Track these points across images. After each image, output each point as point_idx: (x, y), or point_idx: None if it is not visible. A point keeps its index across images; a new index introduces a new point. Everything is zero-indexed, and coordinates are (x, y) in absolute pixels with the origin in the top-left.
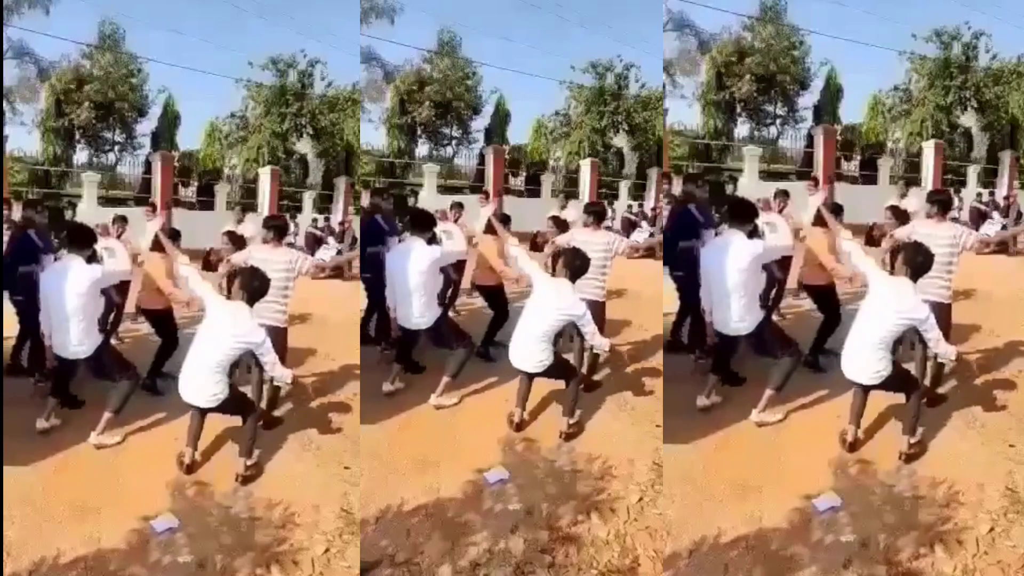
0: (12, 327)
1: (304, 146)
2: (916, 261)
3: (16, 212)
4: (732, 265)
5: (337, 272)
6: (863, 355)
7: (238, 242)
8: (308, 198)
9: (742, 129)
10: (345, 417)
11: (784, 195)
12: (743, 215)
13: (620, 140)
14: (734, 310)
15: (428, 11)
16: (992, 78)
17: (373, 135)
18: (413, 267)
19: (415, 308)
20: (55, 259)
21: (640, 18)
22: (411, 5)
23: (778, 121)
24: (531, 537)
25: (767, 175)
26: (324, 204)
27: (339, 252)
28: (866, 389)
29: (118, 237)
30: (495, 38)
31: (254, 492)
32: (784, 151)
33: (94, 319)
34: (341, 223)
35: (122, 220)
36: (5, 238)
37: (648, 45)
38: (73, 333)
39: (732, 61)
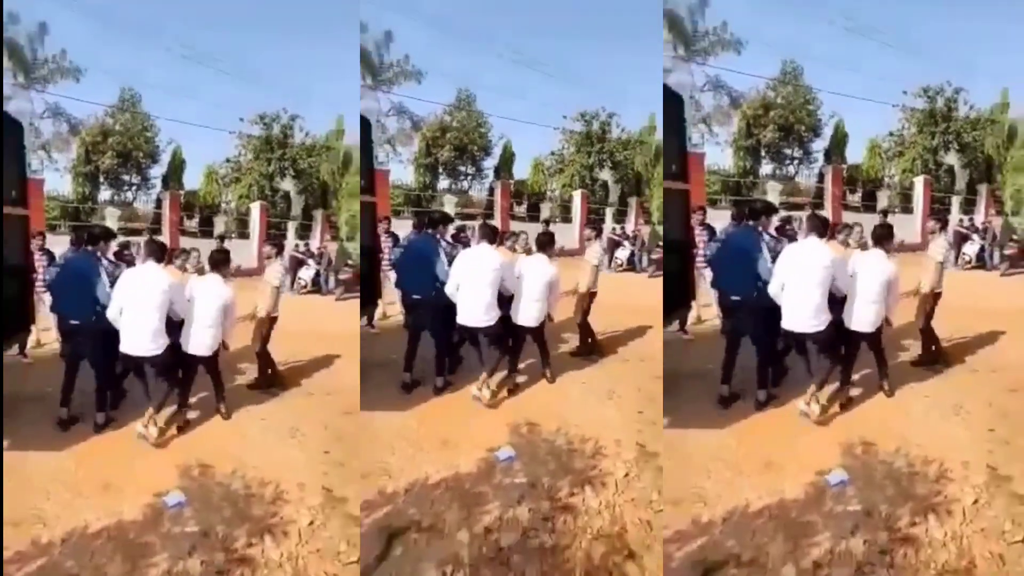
0: None
1: (287, 184)
2: (878, 233)
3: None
4: (817, 264)
5: (316, 289)
6: (864, 310)
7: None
8: (291, 227)
9: (766, 168)
10: (333, 411)
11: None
12: (822, 227)
13: (605, 174)
14: (810, 308)
15: (448, 73)
16: (971, 125)
17: (403, 173)
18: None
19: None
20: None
21: (624, 74)
22: (434, 69)
23: (795, 162)
24: (535, 507)
25: (786, 206)
26: (304, 232)
27: (317, 272)
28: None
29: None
30: (503, 94)
31: (248, 473)
32: (800, 186)
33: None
34: (319, 247)
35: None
36: (41, 265)
37: (628, 98)
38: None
39: (759, 114)
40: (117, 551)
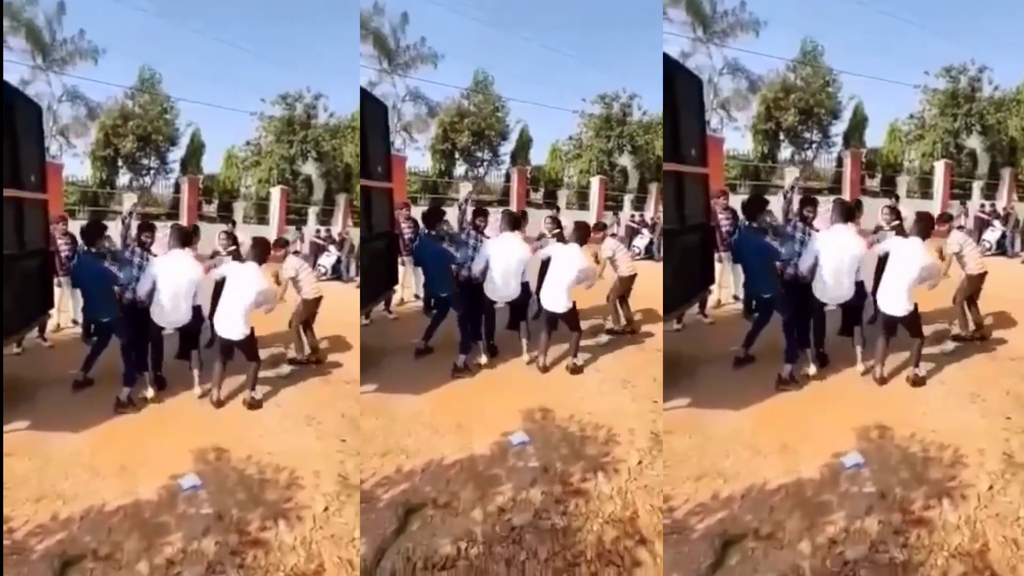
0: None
1: (309, 168)
2: (922, 225)
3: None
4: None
5: (336, 276)
6: (897, 295)
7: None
8: (312, 212)
9: (784, 153)
10: (347, 399)
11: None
12: (849, 215)
13: (624, 160)
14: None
15: (465, 56)
16: (994, 106)
17: (420, 160)
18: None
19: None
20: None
21: (646, 54)
22: (451, 52)
23: (814, 146)
24: (548, 489)
25: (804, 191)
26: (325, 218)
27: (338, 259)
28: (890, 330)
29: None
30: (520, 77)
31: (264, 459)
32: (818, 171)
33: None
34: (340, 233)
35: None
36: (64, 249)
37: (650, 79)
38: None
39: (779, 97)
40: (133, 529)
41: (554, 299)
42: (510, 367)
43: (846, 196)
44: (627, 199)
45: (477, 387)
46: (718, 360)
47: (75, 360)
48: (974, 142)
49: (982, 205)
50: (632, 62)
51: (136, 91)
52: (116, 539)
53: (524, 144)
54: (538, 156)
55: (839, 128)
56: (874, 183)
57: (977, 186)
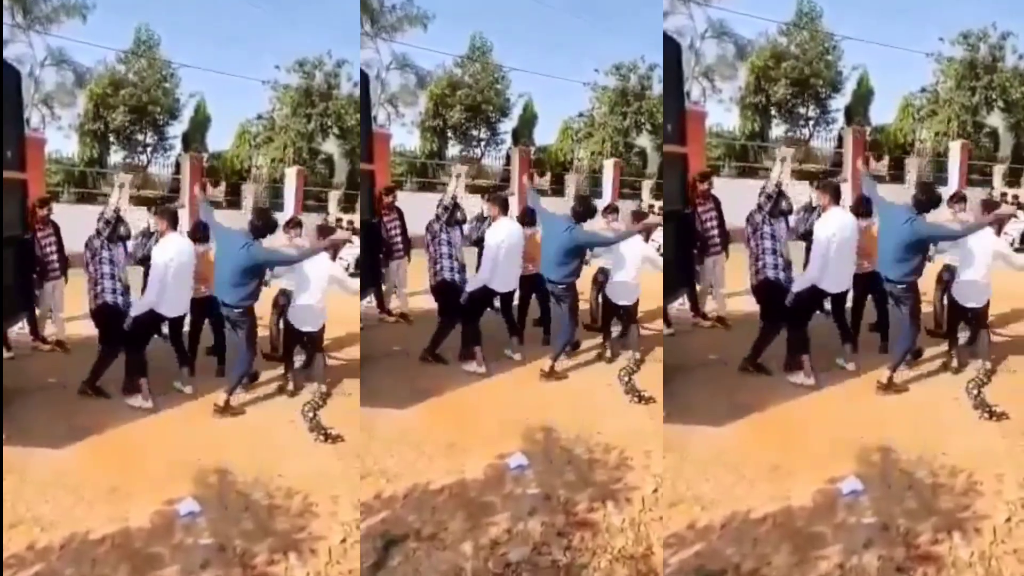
0: None
1: (330, 145)
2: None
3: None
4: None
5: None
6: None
7: None
8: (333, 197)
9: (777, 131)
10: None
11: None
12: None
13: (643, 140)
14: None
15: (459, 17)
16: (1019, 78)
17: (407, 138)
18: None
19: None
20: None
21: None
22: (443, 13)
23: (810, 123)
24: (549, 520)
25: (799, 174)
26: (349, 204)
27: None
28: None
29: None
30: (524, 43)
31: (273, 481)
32: (815, 151)
33: None
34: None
35: None
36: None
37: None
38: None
39: (770, 66)
40: (122, 561)
41: (624, 292)
42: (509, 377)
43: (847, 180)
44: (646, 186)
45: (471, 401)
46: (700, 368)
47: (58, 366)
48: (995, 119)
49: (1004, 193)
50: (652, 26)
51: (131, 55)
52: (102, 572)
53: (527, 121)
54: (543, 135)
55: (840, 103)
56: (880, 166)
57: (998, 170)
